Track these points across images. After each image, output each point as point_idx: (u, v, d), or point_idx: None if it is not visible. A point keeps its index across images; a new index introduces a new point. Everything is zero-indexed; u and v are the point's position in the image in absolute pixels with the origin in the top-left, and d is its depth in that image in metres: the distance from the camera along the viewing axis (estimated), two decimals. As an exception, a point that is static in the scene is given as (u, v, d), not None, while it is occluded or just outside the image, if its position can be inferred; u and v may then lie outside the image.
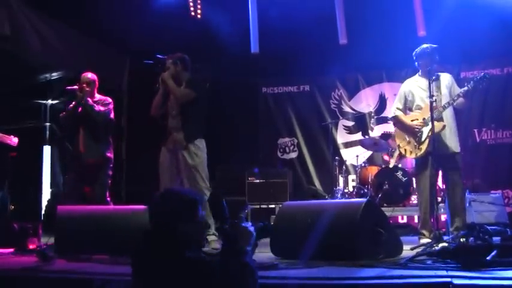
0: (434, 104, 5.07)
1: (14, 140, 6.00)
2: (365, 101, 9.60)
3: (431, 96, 4.94)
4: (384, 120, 9.10)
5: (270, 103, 10.04)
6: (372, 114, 9.42)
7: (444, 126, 5.19)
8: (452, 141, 5.29)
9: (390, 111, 5.76)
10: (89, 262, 4.05)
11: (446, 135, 5.25)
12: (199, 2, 8.36)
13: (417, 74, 5.61)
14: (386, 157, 8.36)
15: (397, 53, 8.22)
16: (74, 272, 3.71)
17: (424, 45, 5.43)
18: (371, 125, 9.40)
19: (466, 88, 5.18)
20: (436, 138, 5.06)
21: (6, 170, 6.82)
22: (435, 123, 5.07)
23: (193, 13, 8.31)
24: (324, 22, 8.07)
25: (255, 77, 9.94)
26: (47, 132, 8.69)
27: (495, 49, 8.37)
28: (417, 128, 5.30)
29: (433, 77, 5.26)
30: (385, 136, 8.56)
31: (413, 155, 5.39)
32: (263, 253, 4.57)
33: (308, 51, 9.11)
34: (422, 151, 5.23)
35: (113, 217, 4.77)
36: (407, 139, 5.45)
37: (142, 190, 8.17)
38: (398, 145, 5.61)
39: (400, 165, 7.77)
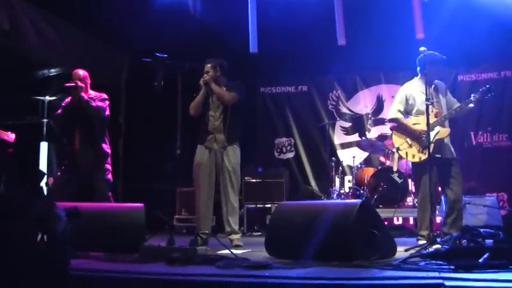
0: (437, 110, 5.36)
1: (11, 136, 6.01)
2: (363, 103, 9.62)
3: (427, 99, 5.02)
4: (381, 121, 9.13)
5: (268, 103, 10.02)
6: (369, 116, 9.45)
7: (449, 133, 5.41)
8: (451, 147, 5.48)
9: (389, 112, 5.79)
10: (85, 259, 4.06)
11: (446, 141, 5.43)
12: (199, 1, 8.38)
13: (416, 78, 5.67)
14: (382, 158, 8.40)
15: (395, 55, 8.29)
16: (70, 268, 3.72)
17: (436, 53, 5.39)
18: (368, 126, 9.44)
19: (472, 104, 5.45)
20: (440, 143, 5.34)
21: (2, 166, 6.81)
22: (442, 129, 5.36)
23: (192, 12, 8.32)
24: (323, 23, 8.09)
25: (253, 76, 9.93)
26: (45, 128, 8.68)
27: (492, 53, 8.39)
28: (423, 133, 5.30)
29: (433, 85, 5.45)
30: (382, 138, 8.60)
31: (416, 159, 5.45)
32: (258, 252, 4.61)
33: (306, 52, 9.15)
34: (427, 155, 5.24)
35: (110, 214, 4.78)
36: (410, 142, 5.50)
37: (139, 187, 8.23)
38: (398, 147, 5.61)
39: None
